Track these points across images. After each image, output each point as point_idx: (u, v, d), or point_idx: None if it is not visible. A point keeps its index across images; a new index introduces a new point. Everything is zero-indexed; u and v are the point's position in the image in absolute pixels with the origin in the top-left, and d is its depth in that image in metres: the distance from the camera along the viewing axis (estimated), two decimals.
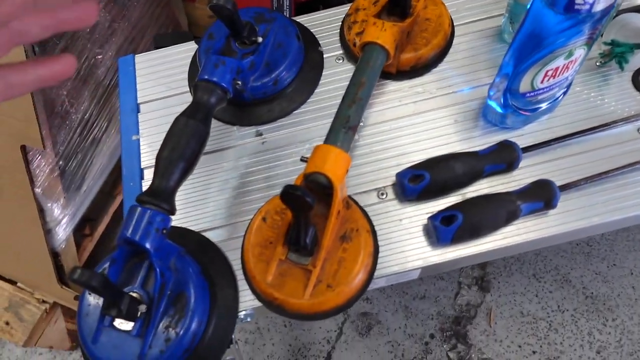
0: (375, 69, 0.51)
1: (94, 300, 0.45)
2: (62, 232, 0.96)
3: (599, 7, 0.39)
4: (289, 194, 0.39)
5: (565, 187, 0.49)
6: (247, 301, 0.49)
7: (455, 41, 0.61)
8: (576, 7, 0.39)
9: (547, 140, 0.52)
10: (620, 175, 0.50)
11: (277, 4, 0.94)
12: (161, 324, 0.43)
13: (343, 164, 0.46)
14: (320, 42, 0.63)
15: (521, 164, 0.52)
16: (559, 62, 0.45)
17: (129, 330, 0.42)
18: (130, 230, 0.41)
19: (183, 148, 0.45)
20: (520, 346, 1.04)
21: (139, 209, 0.42)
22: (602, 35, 0.57)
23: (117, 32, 1.00)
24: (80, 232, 1.03)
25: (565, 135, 0.52)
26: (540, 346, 1.03)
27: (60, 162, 0.90)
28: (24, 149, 0.82)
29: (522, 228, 0.49)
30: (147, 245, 0.41)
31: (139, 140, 0.60)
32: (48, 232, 0.93)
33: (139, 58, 0.66)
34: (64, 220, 0.96)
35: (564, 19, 0.40)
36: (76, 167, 0.95)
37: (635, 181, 0.50)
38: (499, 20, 0.61)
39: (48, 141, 0.84)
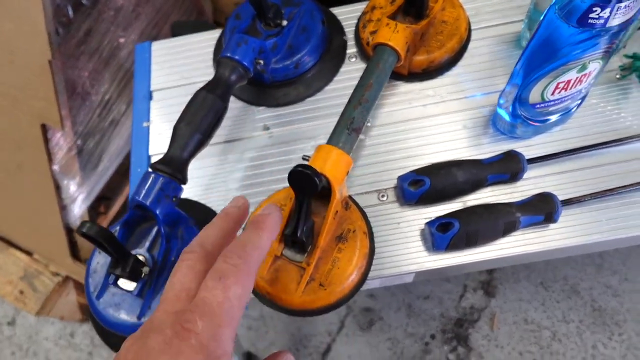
0: (385, 71, 0.51)
1: (102, 259, 0.47)
2: (77, 209, 0.99)
3: (615, 22, 0.38)
4: (298, 172, 0.38)
5: (568, 202, 0.48)
6: None
7: (471, 45, 0.60)
8: (590, 21, 0.38)
9: (554, 153, 0.51)
10: (627, 193, 0.49)
11: None
12: (161, 288, 0.45)
13: (343, 166, 0.46)
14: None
15: (527, 175, 0.51)
16: (572, 74, 0.44)
17: (131, 290, 0.45)
18: (142, 195, 0.43)
19: (200, 121, 0.47)
20: (521, 353, 1.03)
21: (153, 175, 0.44)
22: (624, 47, 0.56)
23: (141, 16, 1.01)
24: (95, 210, 1.06)
25: (575, 148, 0.51)
26: (542, 355, 1.02)
27: (79, 142, 0.93)
28: (43, 127, 0.85)
29: (520, 240, 0.48)
30: (157, 211, 0.43)
31: (149, 127, 0.61)
32: (63, 208, 0.96)
33: (156, 45, 0.67)
34: (80, 198, 0.99)
35: (577, 32, 0.39)
36: (94, 147, 0.98)
37: None
38: (519, 26, 0.60)
39: (67, 121, 0.87)
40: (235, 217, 0.34)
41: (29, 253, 1.09)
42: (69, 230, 0.99)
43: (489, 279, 1.11)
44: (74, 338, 1.15)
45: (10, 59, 0.79)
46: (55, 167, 0.91)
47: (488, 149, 0.54)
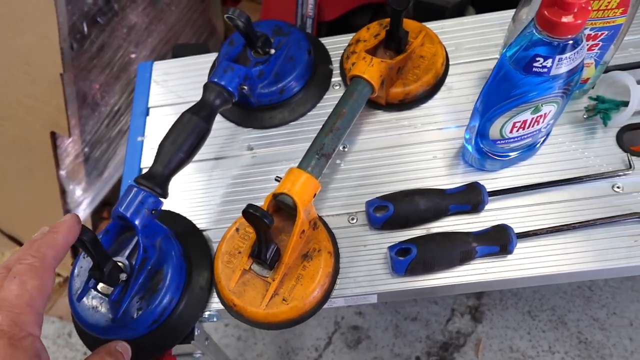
0: (358, 101, 0.55)
1: (85, 264, 0.51)
2: (82, 213, 1.04)
3: (559, 71, 0.41)
4: (249, 213, 0.43)
5: (525, 235, 0.51)
6: (214, 303, 0.54)
7: (449, 79, 0.63)
8: (534, 69, 0.41)
9: (515, 187, 0.53)
10: (583, 229, 0.51)
11: (300, 21, 0.99)
12: (136, 294, 0.49)
13: (311, 189, 0.49)
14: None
15: (489, 207, 0.54)
16: (526, 115, 0.46)
17: (108, 294, 0.48)
18: (123, 207, 0.47)
19: (183, 141, 0.51)
20: None
21: (135, 189, 0.48)
22: (593, 88, 0.58)
23: (154, 34, 1.07)
24: (98, 215, 1.11)
25: (535, 184, 0.54)
26: None
27: (86, 149, 0.98)
28: (53, 134, 0.90)
29: (477, 269, 0.51)
30: (136, 222, 0.47)
31: (143, 141, 0.65)
32: (68, 212, 1.01)
33: (157, 65, 0.72)
34: (85, 202, 1.04)
35: (525, 78, 0.42)
36: (100, 154, 1.03)
37: (598, 237, 0.51)
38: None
39: (76, 129, 0.92)
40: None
41: None
42: None
43: (477, 304, 1.12)
44: (71, 338, 1.19)
45: (26, 69, 0.85)
46: (62, 173, 0.96)
47: (456, 180, 0.57)
